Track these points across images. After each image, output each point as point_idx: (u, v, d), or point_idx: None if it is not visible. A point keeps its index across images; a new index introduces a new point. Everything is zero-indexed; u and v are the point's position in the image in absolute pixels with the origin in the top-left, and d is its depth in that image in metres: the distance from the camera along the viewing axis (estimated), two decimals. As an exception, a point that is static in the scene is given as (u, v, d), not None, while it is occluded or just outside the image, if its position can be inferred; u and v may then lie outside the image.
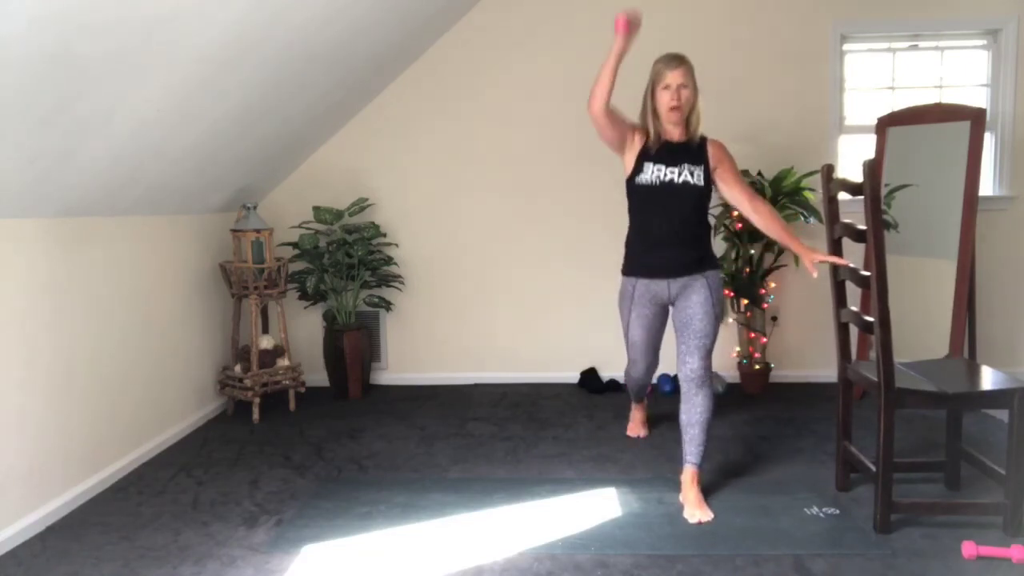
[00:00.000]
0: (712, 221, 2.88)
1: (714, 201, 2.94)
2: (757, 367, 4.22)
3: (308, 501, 2.87)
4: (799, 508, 2.73)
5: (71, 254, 2.90)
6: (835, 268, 2.76)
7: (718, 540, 2.50)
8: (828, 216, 2.79)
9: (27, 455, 2.64)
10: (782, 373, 4.41)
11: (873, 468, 2.56)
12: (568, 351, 4.52)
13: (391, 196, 4.50)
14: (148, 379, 3.41)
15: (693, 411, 2.77)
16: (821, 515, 2.67)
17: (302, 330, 4.53)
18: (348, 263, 4.22)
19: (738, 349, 4.30)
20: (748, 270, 4.11)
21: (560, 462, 3.24)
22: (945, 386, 2.50)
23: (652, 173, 2.78)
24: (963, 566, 2.31)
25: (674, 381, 4.19)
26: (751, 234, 4.02)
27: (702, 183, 2.78)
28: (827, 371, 4.16)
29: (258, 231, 3.95)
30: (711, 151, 2.82)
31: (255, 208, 4.05)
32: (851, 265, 2.68)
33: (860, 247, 2.73)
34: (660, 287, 2.86)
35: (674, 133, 2.79)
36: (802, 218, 4.09)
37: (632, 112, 2.85)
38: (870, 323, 2.51)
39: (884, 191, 3.87)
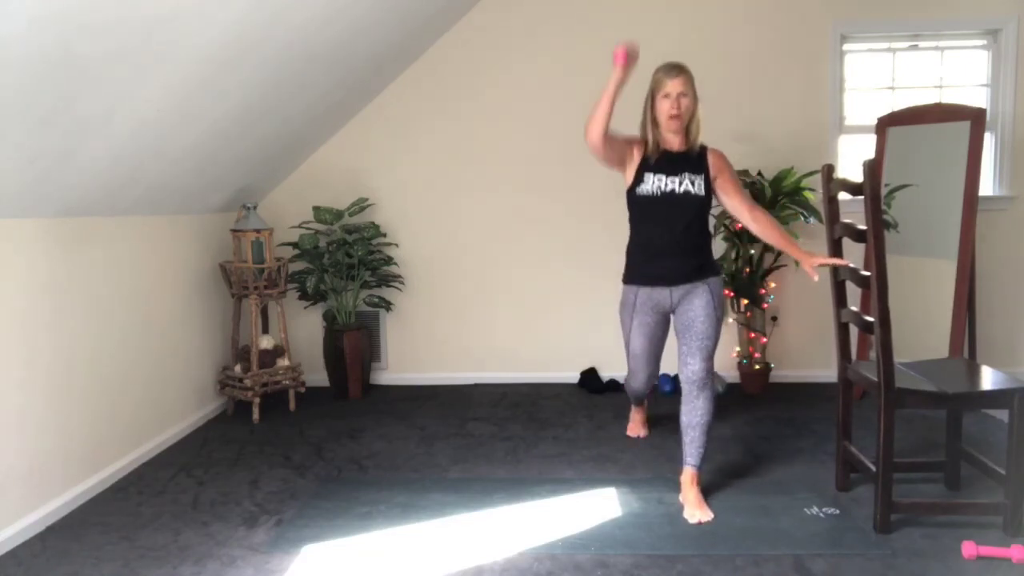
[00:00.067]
0: (712, 221, 2.88)
1: (714, 201, 2.93)
2: (757, 367, 4.22)
3: (308, 501, 2.87)
4: (799, 508, 2.73)
5: (71, 254, 2.90)
6: (835, 268, 2.76)
7: (718, 540, 2.50)
8: (828, 216, 2.79)
9: (27, 455, 2.64)
10: (782, 373, 4.41)
11: (873, 468, 2.56)
12: (568, 351, 4.52)
13: (391, 196, 4.50)
14: (148, 379, 3.41)
15: (694, 413, 2.77)
16: (821, 515, 2.67)
17: (302, 330, 4.53)
18: (348, 263, 4.22)
19: (738, 349, 4.30)
20: (748, 270, 4.11)
21: (560, 462, 3.24)
22: (945, 386, 2.50)
23: (653, 183, 2.77)
24: (963, 566, 2.31)
25: (674, 381, 4.19)
26: (751, 234, 4.00)
27: (703, 192, 2.78)
28: (827, 371, 4.17)
29: (258, 231, 3.95)
30: (711, 160, 2.82)
31: (255, 208, 4.05)
32: (851, 265, 2.68)
33: (860, 247, 2.74)
34: (662, 295, 2.86)
35: (674, 142, 2.78)
36: (802, 218, 4.10)
37: (631, 121, 2.83)
38: (870, 323, 2.51)
39: (884, 191, 3.87)
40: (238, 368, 4.01)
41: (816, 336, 4.37)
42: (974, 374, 2.77)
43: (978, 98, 4.31)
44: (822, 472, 3.04)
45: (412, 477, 3.11)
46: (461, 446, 3.47)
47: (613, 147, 2.74)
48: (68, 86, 2.26)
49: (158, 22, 2.32)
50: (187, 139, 3.14)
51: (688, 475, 2.77)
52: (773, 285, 4.23)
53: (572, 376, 4.51)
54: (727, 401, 4.03)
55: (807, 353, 4.43)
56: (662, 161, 2.78)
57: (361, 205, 4.34)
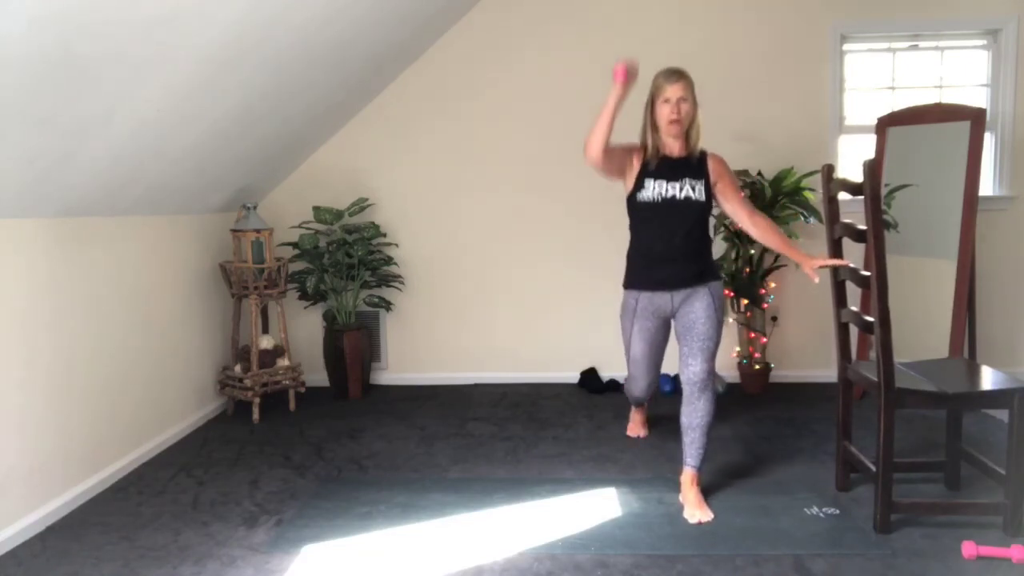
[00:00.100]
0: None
1: (713, 202, 2.93)
2: (757, 367, 4.22)
3: (308, 501, 2.87)
4: (799, 508, 2.73)
5: (71, 254, 2.90)
6: (835, 268, 2.76)
7: (718, 540, 2.50)
8: (828, 216, 2.79)
9: (27, 455, 2.64)
10: (782, 373, 4.41)
11: (873, 468, 2.56)
12: (568, 351, 4.52)
13: (391, 196, 4.50)
14: (148, 379, 3.41)
15: (694, 415, 2.76)
16: (821, 515, 2.67)
17: (302, 330, 4.53)
18: (348, 263, 4.22)
19: (738, 349, 4.30)
20: (748, 270, 4.11)
21: (560, 462, 3.24)
22: (945, 386, 2.50)
23: (653, 190, 2.77)
24: (963, 566, 2.31)
25: (674, 381, 4.19)
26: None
27: (703, 198, 2.78)
28: (827, 371, 4.16)
29: (258, 231, 3.95)
30: (711, 165, 2.81)
31: (255, 208, 4.05)
32: (851, 265, 2.68)
33: (860, 247, 2.74)
34: (663, 300, 2.86)
35: (674, 147, 2.78)
36: (802, 218, 4.10)
37: (630, 129, 2.82)
38: (870, 323, 2.51)
39: (884, 191, 3.87)
40: (238, 368, 4.01)
41: (816, 336, 4.37)
42: (974, 374, 2.77)
43: (978, 98, 4.31)
44: (822, 472, 3.04)
45: (412, 477, 3.11)
46: (461, 446, 3.47)
47: (613, 159, 2.74)
48: (68, 86, 2.26)
49: (158, 22, 2.32)
50: (187, 139, 3.14)
51: (688, 476, 2.77)
52: (773, 285, 4.23)
53: (572, 376, 4.51)
54: (727, 401, 4.03)
55: (807, 353, 4.43)
56: (662, 167, 2.78)
57: (361, 205, 4.34)
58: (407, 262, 4.52)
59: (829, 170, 2.78)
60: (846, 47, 4.36)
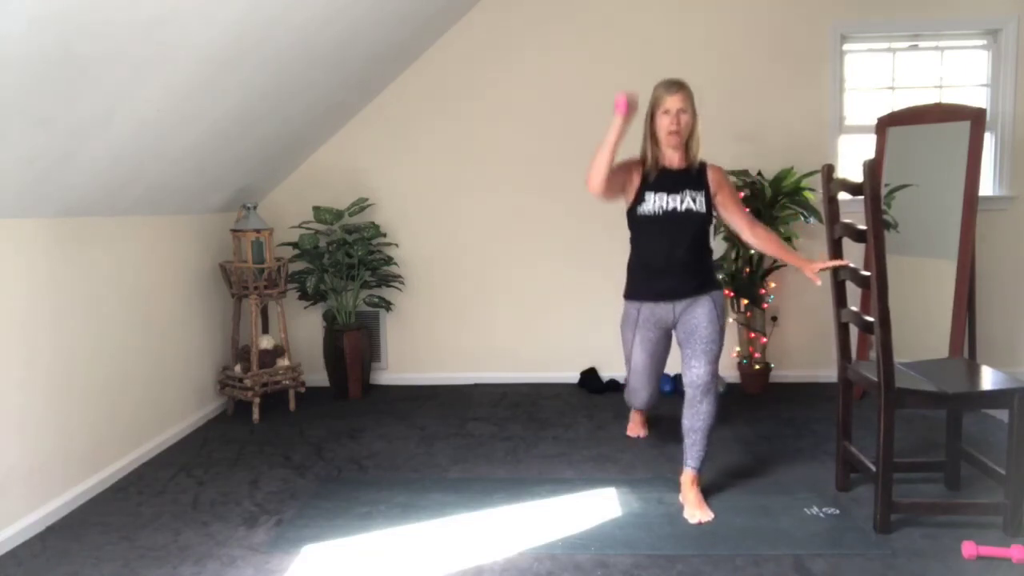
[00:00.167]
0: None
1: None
2: (757, 367, 4.22)
3: (308, 501, 2.87)
4: (799, 508, 2.73)
5: (71, 254, 2.90)
6: (835, 268, 2.77)
7: (718, 540, 2.50)
8: (828, 216, 2.79)
9: (27, 455, 2.64)
10: (782, 373, 4.41)
11: (873, 468, 2.56)
12: (568, 351, 4.52)
13: (391, 196, 4.50)
14: (148, 379, 3.41)
15: (696, 418, 2.76)
16: (821, 515, 2.67)
17: (302, 330, 4.53)
18: (348, 263, 4.22)
19: (738, 349, 4.30)
20: (748, 270, 4.11)
21: (560, 462, 3.24)
22: (945, 386, 2.50)
23: (654, 203, 2.77)
24: (963, 566, 2.31)
25: (674, 381, 4.18)
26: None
27: (704, 209, 2.78)
28: (827, 371, 4.17)
29: (258, 231, 3.95)
30: (711, 176, 2.82)
31: (255, 208, 4.05)
32: (851, 265, 2.68)
33: (860, 247, 2.74)
34: (665, 310, 2.86)
35: (674, 158, 2.78)
36: (802, 218, 4.10)
37: (630, 144, 2.81)
38: (870, 323, 2.51)
39: (884, 191, 3.87)
40: (238, 368, 4.01)
41: (816, 336, 4.37)
42: (974, 374, 2.77)
43: (978, 98, 4.31)
44: (822, 472, 3.04)
45: (412, 477, 3.11)
46: (461, 446, 3.47)
47: (614, 184, 2.73)
48: (68, 86, 2.26)
49: (158, 22, 2.32)
50: (187, 139, 3.14)
51: (688, 476, 2.77)
52: (773, 285, 4.23)
53: (572, 376, 4.51)
54: (727, 401, 4.02)
55: (807, 353, 4.43)
56: (662, 179, 2.78)
57: (361, 205, 4.34)
58: (407, 262, 4.52)
59: (829, 170, 2.78)
60: (846, 47, 4.36)
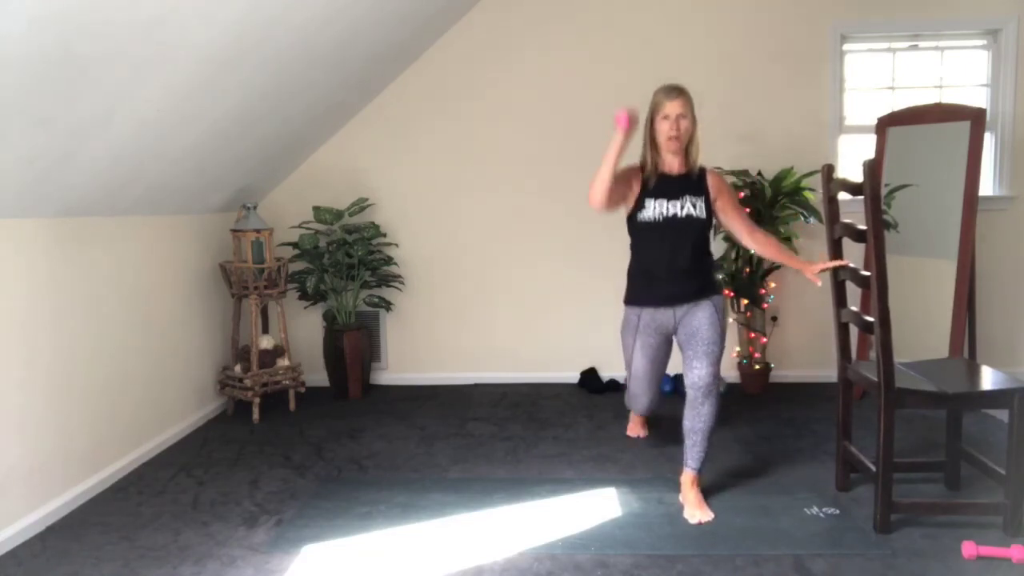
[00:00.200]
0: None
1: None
2: (757, 367, 4.22)
3: (308, 501, 2.88)
4: (799, 508, 2.73)
5: (71, 254, 2.90)
6: (835, 268, 2.77)
7: (718, 540, 2.50)
8: (828, 216, 2.79)
9: (27, 455, 2.64)
10: (782, 373, 4.41)
11: (873, 468, 2.56)
12: (568, 351, 4.52)
13: (391, 196, 4.50)
14: (148, 379, 3.41)
15: (698, 419, 2.76)
16: (821, 515, 2.67)
17: (302, 330, 4.53)
18: (348, 263, 4.22)
19: (738, 349, 4.30)
20: (748, 270, 4.11)
21: (560, 462, 3.24)
22: (945, 386, 2.50)
23: (654, 209, 2.77)
24: (963, 566, 2.31)
25: (673, 381, 4.18)
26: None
27: (704, 215, 2.78)
28: (827, 371, 4.16)
29: (258, 231, 3.95)
30: (711, 182, 2.82)
31: (255, 208, 4.05)
32: (851, 265, 2.68)
33: (860, 247, 2.74)
34: (665, 316, 2.86)
35: (673, 164, 2.78)
36: (802, 218, 4.10)
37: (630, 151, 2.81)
38: (870, 323, 2.51)
39: (884, 191, 3.87)
40: (238, 368, 4.01)
41: (816, 336, 4.37)
42: (974, 374, 2.77)
43: (978, 98, 4.31)
44: (822, 472, 3.04)
45: (412, 477, 3.11)
46: (461, 446, 3.47)
47: (615, 196, 2.73)
48: (68, 86, 2.26)
49: (158, 22, 2.32)
50: (187, 139, 3.14)
51: (688, 477, 2.77)
52: (773, 285, 4.23)
53: (572, 376, 4.51)
54: (727, 401, 4.02)
55: (807, 353, 4.42)
56: (662, 185, 2.78)
57: (361, 205, 4.34)
58: (407, 262, 4.52)
59: (829, 170, 2.78)
60: (846, 47, 4.36)
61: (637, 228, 2.85)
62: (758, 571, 2.30)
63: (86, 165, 2.69)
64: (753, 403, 4.05)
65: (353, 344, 4.21)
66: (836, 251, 2.80)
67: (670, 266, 2.80)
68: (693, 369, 2.76)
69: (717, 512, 2.69)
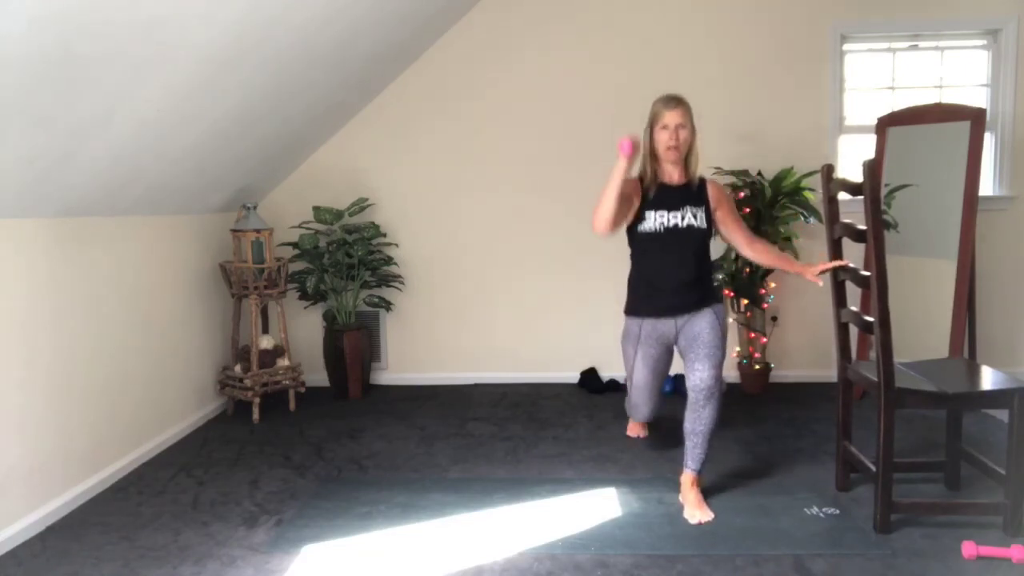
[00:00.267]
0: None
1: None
2: (757, 367, 4.22)
3: (308, 501, 2.87)
4: (799, 508, 2.73)
5: (71, 254, 2.90)
6: (835, 268, 2.77)
7: (718, 540, 2.50)
8: (828, 216, 2.79)
9: (27, 455, 2.64)
10: (782, 373, 4.41)
11: (873, 468, 2.56)
12: (568, 351, 4.52)
13: (391, 196, 4.50)
14: (148, 379, 3.41)
15: (699, 421, 2.75)
16: (821, 515, 2.67)
17: (302, 330, 4.53)
18: (348, 263, 4.22)
19: (738, 349, 4.30)
20: (748, 270, 4.11)
21: (560, 462, 3.24)
22: (945, 386, 2.50)
23: (655, 220, 2.78)
24: (963, 566, 2.31)
25: (674, 381, 4.18)
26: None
27: (704, 225, 2.79)
28: (827, 371, 4.17)
29: (258, 231, 3.95)
30: (711, 192, 2.83)
31: (255, 208, 4.05)
32: (851, 265, 2.68)
33: (860, 247, 2.74)
34: (667, 326, 2.87)
35: (673, 174, 2.79)
36: (802, 218, 4.10)
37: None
38: (870, 323, 2.51)
39: (884, 191, 3.87)
40: (238, 368, 4.01)
41: (816, 336, 4.37)
42: (974, 374, 2.77)
43: (978, 98, 4.31)
44: (822, 472, 3.04)
45: (412, 477, 3.11)
46: (461, 446, 3.47)
47: (619, 218, 2.72)
48: (68, 86, 2.26)
49: (158, 22, 2.32)
50: (187, 139, 3.14)
51: (688, 478, 2.77)
52: (773, 285, 4.22)
53: (572, 376, 4.51)
54: (727, 401, 3.96)
55: (807, 353, 4.43)
56: (662, 195, 2.79)
57: (361, 205, 4.34)
58: (407, 262, 4.52)
59: (829, 170, 2.78)
60: (846, 47, 4.36)
61: (637, 239, 2.85)
62: (758, 571, 2.30)
63: (86, 165, 2.69)
64: (753, 403, 4.05)
65: (353, 344, 4.21)
66: (836, 251, 2.80)
67: (671, 277, 2.80)
68: (695, 371, 2.76)
69: (717, 512, 2.69)
